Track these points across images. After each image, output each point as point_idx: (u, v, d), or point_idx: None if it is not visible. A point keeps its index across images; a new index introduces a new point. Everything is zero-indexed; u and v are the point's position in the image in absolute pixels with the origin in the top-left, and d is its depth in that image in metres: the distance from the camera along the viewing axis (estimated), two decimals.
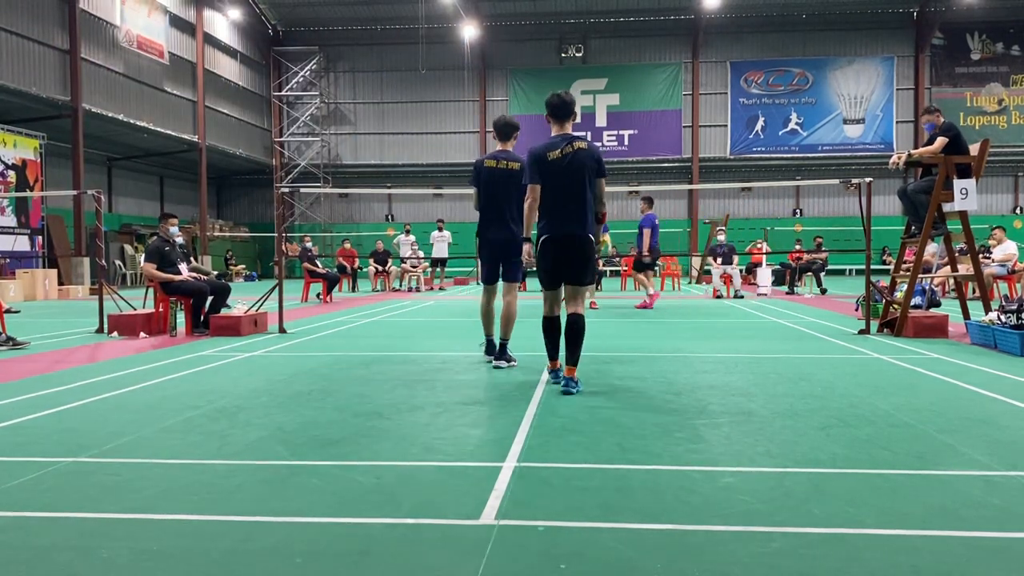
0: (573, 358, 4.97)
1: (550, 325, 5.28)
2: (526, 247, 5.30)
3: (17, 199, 19.52)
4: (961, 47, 30.42)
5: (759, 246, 20.19)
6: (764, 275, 17.20)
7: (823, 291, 17.09)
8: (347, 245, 21.14)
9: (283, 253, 11.28)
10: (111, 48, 22.98)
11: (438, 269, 20.38)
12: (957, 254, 9.81)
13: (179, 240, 9.73)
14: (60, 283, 19.13)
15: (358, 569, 2.23)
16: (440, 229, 19.80)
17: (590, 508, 2.71)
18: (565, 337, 5.04)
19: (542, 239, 5.14)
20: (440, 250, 19.59)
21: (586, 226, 5.05)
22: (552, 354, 5.33)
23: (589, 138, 30.52)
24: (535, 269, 5.35)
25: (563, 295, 5.15)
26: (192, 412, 4.39)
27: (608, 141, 31.54)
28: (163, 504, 2.79)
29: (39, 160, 20.42)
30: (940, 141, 8.03)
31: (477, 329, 9.37)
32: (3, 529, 2.57)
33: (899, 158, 8.29)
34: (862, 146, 30.84)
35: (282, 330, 8.85)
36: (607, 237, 16.97)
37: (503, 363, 6.15)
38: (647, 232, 13.04)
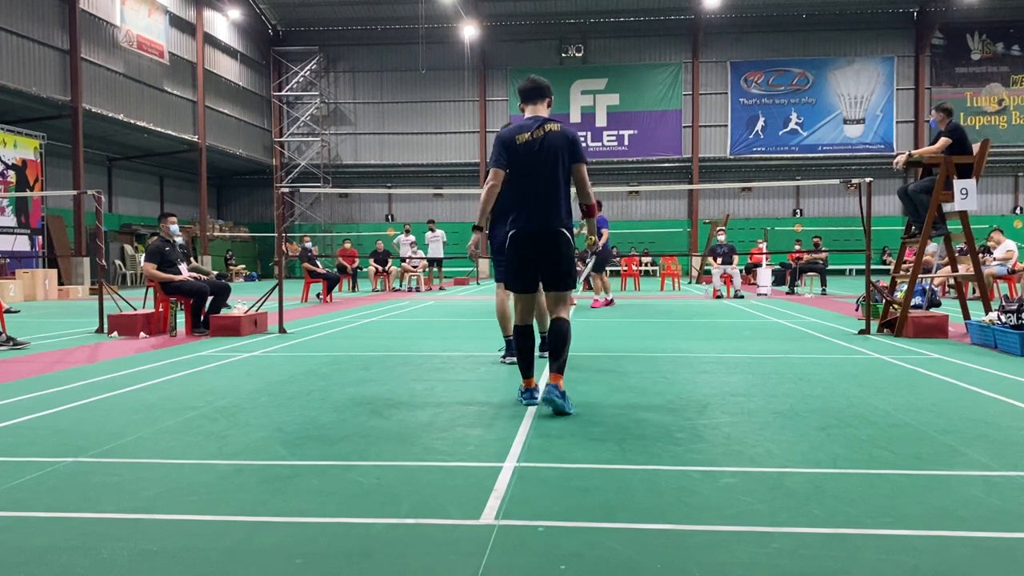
0: (557, 364, 4.41)
1: (523, 336, 4.56)
2: (474, 237, 4.58)
3: (17, 199, 19.52)
4: (961, 47, 30.42)
5: (759, 245, 20.21)
6: (764, 275, 17.21)
7: (824, 291, 17.11)
8: (347, 245, 21.15)
9: (283, 253, 11.28)
10: (111, 48, 22.97)
11: (435, 269, 20.41)
12: (957, 254, 9.80)
13: (179, 240, 9.74)
14: (60, 283, 19.13)
15: (358, 569, 2.23)
16: (432, 230, 19.86)
17: (590, 508, 2.71)
18: (548, 343, 4.55)
19: (511, 234, 4.52)
20: (435, 250, 19.65)
21: (561, 219, 4.45)
22: (526, 371, 4.57)
23: (589, 138, 30.87)
24: (493, 265, 4.66)
25: (538, 300, 4.61)
26: (192, 412, 4.39)
27: (608, 141, 31.53)
28: (163, 504, 2.79)
29: (39, 160, 20.42)
30: (943, 142, 8.02)
31: (477, 329, 9.39)
32: (3, 529, 2.57)
33: (901, 159, 8.28)
34: (862, 146, 30.84)
35: (282, 330, 8.85)
36: (606, 233, 13.39)
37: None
38: (605, 233, 12.57)
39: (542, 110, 4.61)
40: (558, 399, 4.26)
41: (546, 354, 5.69)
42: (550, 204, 4.43)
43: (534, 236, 4.45)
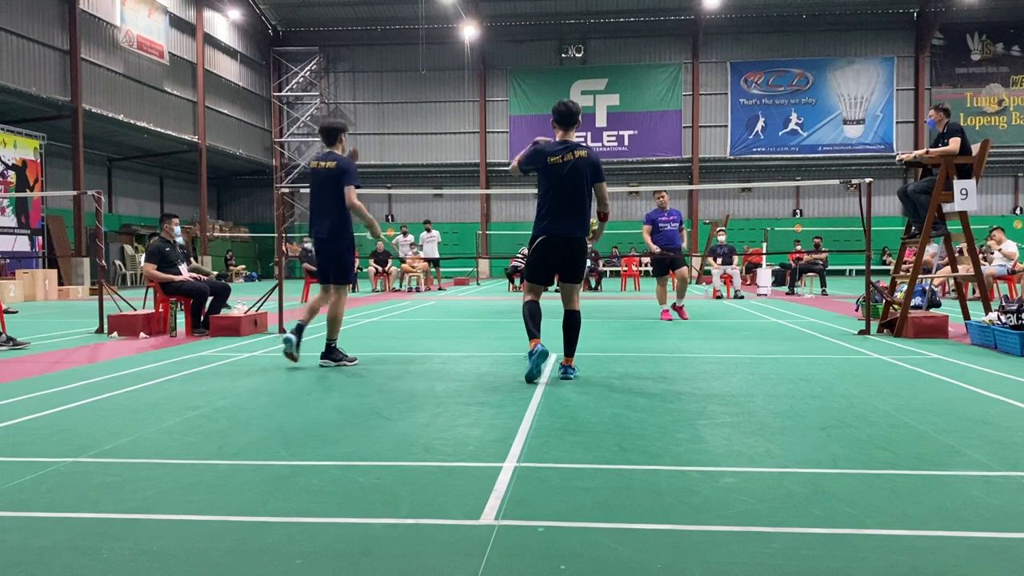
0: (571, 350, 5.53)
1: (534, 308, 5.52)
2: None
3: (17, 199, 19.52)
4: (961, 47, 30.43)
5: (753, 248, 20.21)
6: (764, 275, 17.21)
7: (824, 292, 17.11)
8: None
9: (283, 253, 11.28)
10: (111, 48, 22.98)
11: (432, 269, 20.41)
12: (957, 254, 9.80)
13: (179, 240, 9.73)
14: (60, 283, 19.13)
15: (358, 569, 2.22)
16: (428, 230, 19.87)
17: (590, 508, 2.71)
18: (564, 332, 5.53)
19: (540, 238, 5.47)
20: (430, 250, 19.67)
21: (582, 228, 5.51)
22: (533, 333, 5.40)
23: (589, 138, 30.87)
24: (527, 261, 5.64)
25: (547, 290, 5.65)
26: (192, 412, 4.39)
27: (608, 141, 31.54)
28: (163, 504, 2.79)
29: (39, 160, 20.42)
30: (955, 141, 7.99)
31: (477, 329, 9.39)
32: (3, 529, 2.57)
33: (925, 153, 8.21)
34: (862, 146, 30.85)
35: (282, 330, 8.84)
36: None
37: (330, 363, 6.27)
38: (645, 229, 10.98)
39: (572, 135, 5.53)
40: (573, 375, 5.43)
41: (327, 362, 6.25)
42: (574, 217, 5.43)
43: (560, 241, 5.43)
